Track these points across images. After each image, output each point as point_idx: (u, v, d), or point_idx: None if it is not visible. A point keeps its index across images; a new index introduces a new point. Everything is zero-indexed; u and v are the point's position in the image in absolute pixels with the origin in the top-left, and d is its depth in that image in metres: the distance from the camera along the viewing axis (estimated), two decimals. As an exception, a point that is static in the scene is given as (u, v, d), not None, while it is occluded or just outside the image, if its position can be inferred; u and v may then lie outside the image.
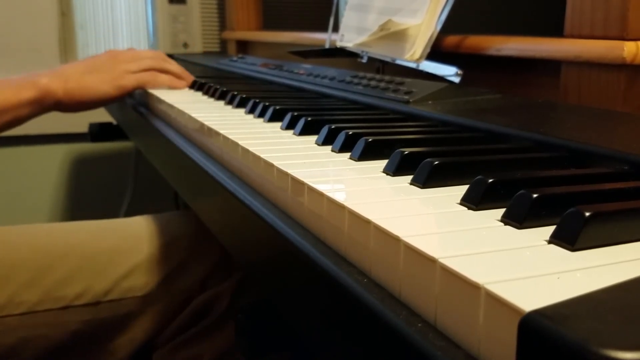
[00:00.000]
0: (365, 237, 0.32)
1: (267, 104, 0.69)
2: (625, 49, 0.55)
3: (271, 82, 0.98)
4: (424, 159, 0.41)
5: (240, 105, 0.77)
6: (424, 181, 0.40)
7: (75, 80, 0.88)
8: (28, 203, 1.77)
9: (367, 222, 0.32)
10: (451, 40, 0.76)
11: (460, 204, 0.36)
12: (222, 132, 0.58)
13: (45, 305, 0.76)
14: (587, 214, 0.28)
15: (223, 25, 1.71)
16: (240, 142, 0.53)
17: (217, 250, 0.84)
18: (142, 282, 0.81)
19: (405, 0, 0.79)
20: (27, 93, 0.84)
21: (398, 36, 0.79)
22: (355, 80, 0.79)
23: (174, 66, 0.98)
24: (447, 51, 0.76)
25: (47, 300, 0.76)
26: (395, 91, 0.69)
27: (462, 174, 0.39)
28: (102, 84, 0.89)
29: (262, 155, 0.48)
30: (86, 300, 0.78)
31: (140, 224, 0.87)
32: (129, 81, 0.92)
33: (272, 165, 0.45)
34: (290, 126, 0.61)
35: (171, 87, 0.96)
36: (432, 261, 0.27)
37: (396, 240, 0.30)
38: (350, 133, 0.51)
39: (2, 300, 0.75)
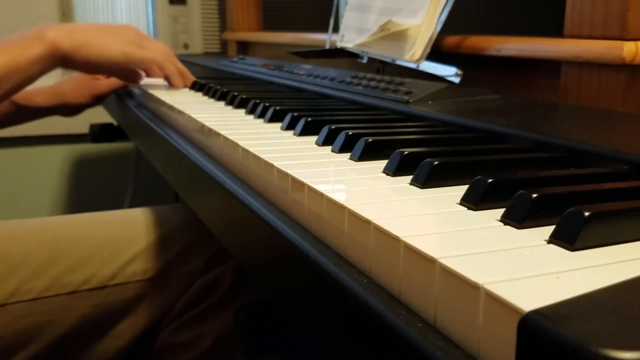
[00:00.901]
0: (365, 237, 0.32)
1: (267, 104, 0.69)
2: (625, 49, 0.55)
3: (271, 83, 0.98)
4: (424, 159, 0.41)
5: (241, 105, 0.77)
6: (423, 181, 0.40)
7: (83, 35, 0.86)
8: (29, 204, 1.78)
9: (367, 222, 0.33)
10: (451, 40, 0.76)
11: (460, 204, 0.36)
12: (222, 132, 0.58)
13: (54, 291, 0.78)
14: (587, 213, 0.28)
15: (223, 26, 1.71)
16: (240, 143, 0.53)
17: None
18: (145, 266, 0.83)
19: (405, 0, 0.79)
20: (36, 49, 0.82)
21: (398, 36, 0.79)
22: (355, 81, 0.79)
23: (179, 64, 0.99)
24: (447, 51, 0.76)
25: (55, 287, 0.78)
26: (395, 91, 0.69)
27: (462, 174, 0.39)
28: (111, 46, 0.88)
29: (262, 156, 0.48)
30: (92, 285, 0.80)
31: (142, 215, 0.89)
32: (138, 53, 0.91)
33: (272, 165, 0.45)
34: (290, 127, 0.61)
35: (171, 80, 0.97)
36: (431, 261, 0.27)
37: (396, 240, 0.30)
38: (350, 133, 0.51)
39: (11, 288, 0.77)
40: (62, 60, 0.85)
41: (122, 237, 0.84)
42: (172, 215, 0.90)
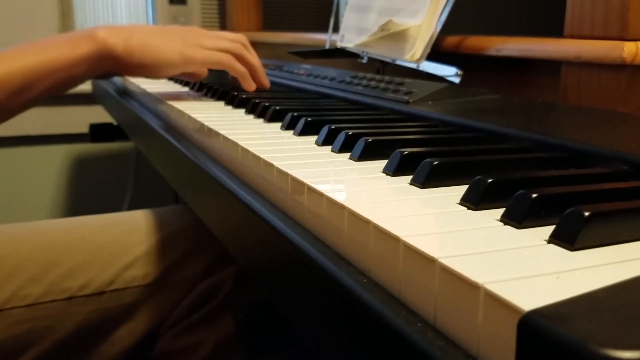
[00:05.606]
0: (365, 237, 0.32)
1: (267, 104, 0.69)
2: (625, 49, 0.55)
3: (271, 83, 0.98)
4: (424, 159, 0.41)
5: (240, 105, 0.77)
6: (423, 181, 0.40)
7: (138, 38, 0.79)
8: (29, 203, 1.78)
9: (366, 222, 0.33)
10: (451, 40, 0.76)
11: (460, 204, 0.36)
12: (222, 132, 0.58)
13: (51, 297, 0.77)
14: (587, 213, 0.28)
15: (223, 25, 1.71)
16: (240, 143, 0.53)
17: (219, 241, 0.85)
18: (144, 271, 0.82)
19: (406, 0, 0.79)
20: (84, 47, 0.76)
21: (398, 37, 0.79)
22: (355, 81, 0.79)
23: (254, 58, 0.88)
24: (447, 51, 0.76)
25: (52, 292, 0.78)
26: (395, 91, 0.69)
27: (462, 174, 0.39)
28: (168, 48, 0.81)
29: (262, 156, 0.48)
30: (90, 290, 0.79)
31: (142, 217, 0.88)
32: (199, 54, 0.83)
33: (272, 165, 0.45)
34: (290, 126, 0.61)
35: (241, 83, 0.86)
36: (431, 261, 0.27)
37: (396, 240, 0.30)
38: (350, 133, 0.51)
39: (8, 293, 0.76)
40: (114, 62, 0.78)
41: (120, 241, 0.83)
42: (171, 218, 0.88)
